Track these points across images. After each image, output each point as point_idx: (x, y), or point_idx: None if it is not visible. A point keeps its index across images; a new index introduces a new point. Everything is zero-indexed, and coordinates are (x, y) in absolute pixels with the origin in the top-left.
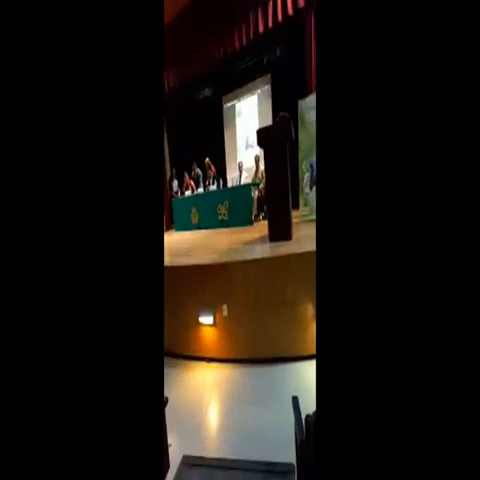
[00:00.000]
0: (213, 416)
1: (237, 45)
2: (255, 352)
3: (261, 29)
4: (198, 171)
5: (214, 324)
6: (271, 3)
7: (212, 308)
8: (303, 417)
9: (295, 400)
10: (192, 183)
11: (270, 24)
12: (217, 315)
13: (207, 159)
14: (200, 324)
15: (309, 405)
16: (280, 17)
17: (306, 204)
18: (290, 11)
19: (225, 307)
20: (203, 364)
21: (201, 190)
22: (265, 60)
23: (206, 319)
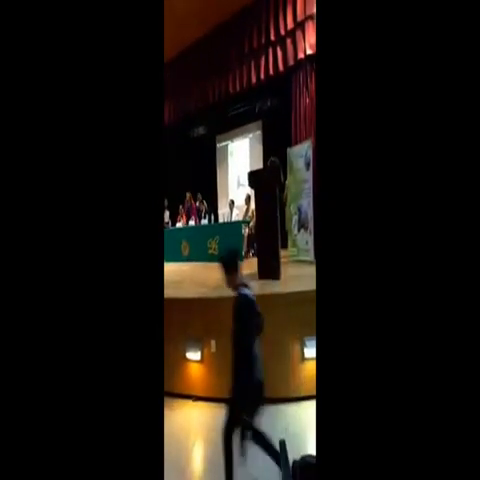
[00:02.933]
0: (197, 460)
1: (231, 91)
2: None
3: (254, 80)
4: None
5: (201, 360)
6: (263, 58)
7: (200, 343)
8: (290, 462)
9: (282, 444)
10: (185, 217)
11: (262, 76)
12: (205, 351)
13: (188, 195)
14: (187, 360)
15: (296, 449)
16: (271, 71)
17: (294, 245)
18: (281, 67)
19: (213, 343)
20: (189, 403)
21: (192, 223)
22: (257, 108)
23: (193, 355)
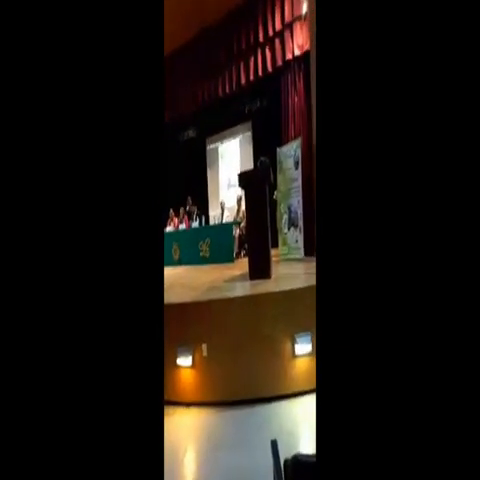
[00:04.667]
0: (191, 467)
1: (220, 92)
2: (236, 394)
3: (243, 81)
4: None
5: (193, 365)
6: (252, 59)
7: (191, 348)
8: (282, 461)
9: (274, 444)
10: (176, 221)
11: (251, 77)
12: (196, 356)
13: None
14: (178, 366)
15: (288, 448)
16: (260, 72)
17: (285, 243)
18: (269, 68)
19: (204, 347)
20: (181, 409)
21: (183, 226)
22: (247, 109)
23: (184, 360)
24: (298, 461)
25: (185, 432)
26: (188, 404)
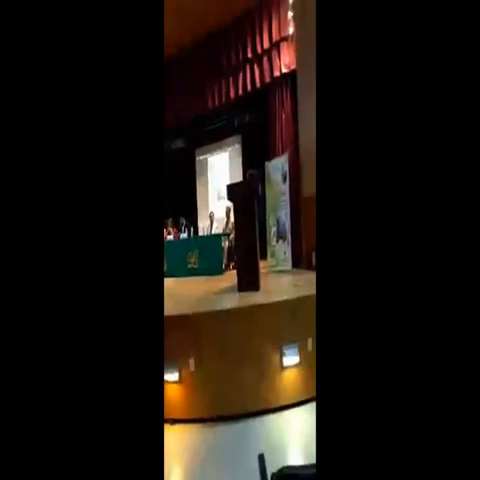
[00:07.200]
0: None
1: (210, 105)
2: (224, 409)
3: (232, 95)
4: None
5: (180, 381)
6: (241, 74)
7: (177, 363)
8: (269, 475)
9: (261, 458)
10: (164, 232)
11: (240, 92)
12: (183, 370)
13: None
14: (164, 381)
15: (276, 462)
16: (249, 87)
17: (273, 255)
18: (258, 84)
19: (192, 361)
20: (166, 426)
21: (171, 237)
22: (236, 122)
23: (171, 376)
24: (284, 474)
25: (170, 452)
26: (173, 421)
